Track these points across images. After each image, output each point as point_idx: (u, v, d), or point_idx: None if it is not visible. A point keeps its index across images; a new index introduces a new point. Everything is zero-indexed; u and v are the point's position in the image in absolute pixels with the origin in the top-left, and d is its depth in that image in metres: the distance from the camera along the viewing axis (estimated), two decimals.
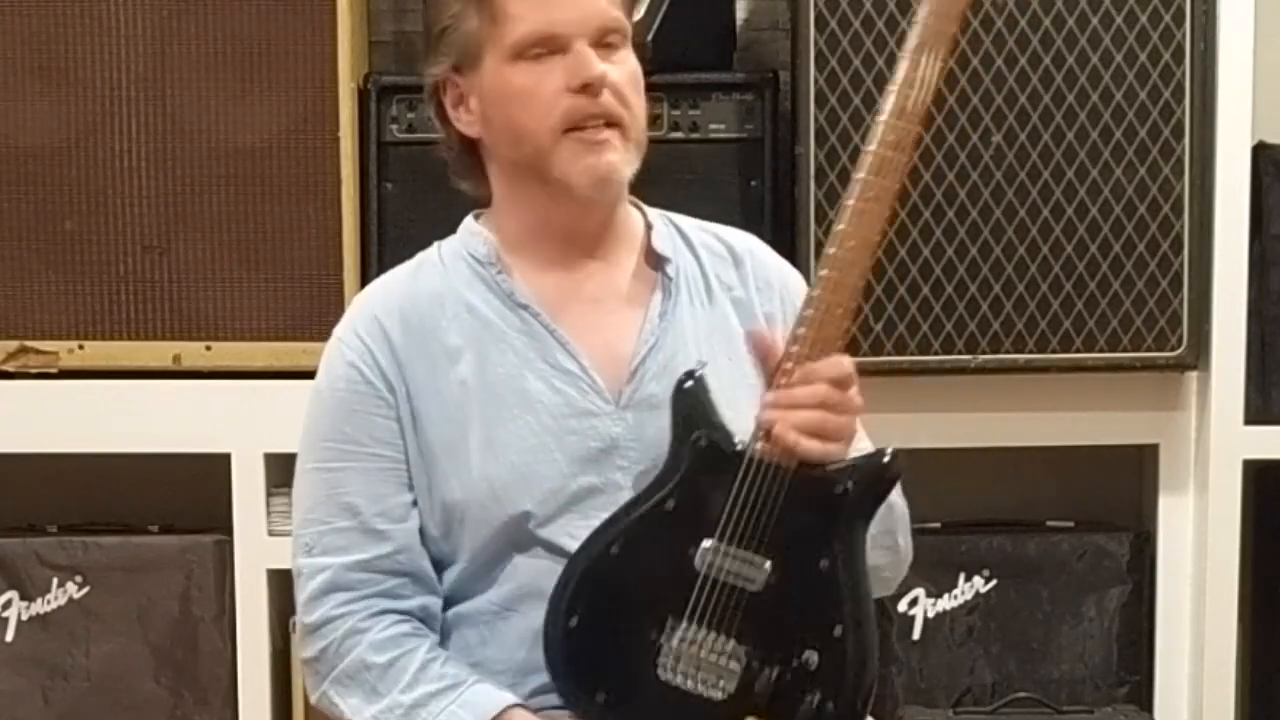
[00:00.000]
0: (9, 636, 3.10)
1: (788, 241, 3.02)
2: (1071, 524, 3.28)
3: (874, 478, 1.98)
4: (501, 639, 2.09)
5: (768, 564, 1.95)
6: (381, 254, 3.07)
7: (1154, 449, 3.19)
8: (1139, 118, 3.00)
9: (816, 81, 2.99)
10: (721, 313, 2.16)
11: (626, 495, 2.06)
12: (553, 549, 2.06)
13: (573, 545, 2.04)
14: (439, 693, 2.05)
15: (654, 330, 2.12)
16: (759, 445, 1.97)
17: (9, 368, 3.06)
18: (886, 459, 1.98)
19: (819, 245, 2.97)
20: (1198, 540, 3.15)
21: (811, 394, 1.96)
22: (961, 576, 3.18)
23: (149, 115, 3.03)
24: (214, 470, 3.05)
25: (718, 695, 1.96)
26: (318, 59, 3.02)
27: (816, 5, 2.98)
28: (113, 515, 3.24)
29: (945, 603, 3.18)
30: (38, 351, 3.06)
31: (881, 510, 2.05)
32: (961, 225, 3.01)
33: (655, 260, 2.16)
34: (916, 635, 3.17)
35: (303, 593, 2.12)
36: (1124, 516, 3.33)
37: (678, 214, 2.24)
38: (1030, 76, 2.99)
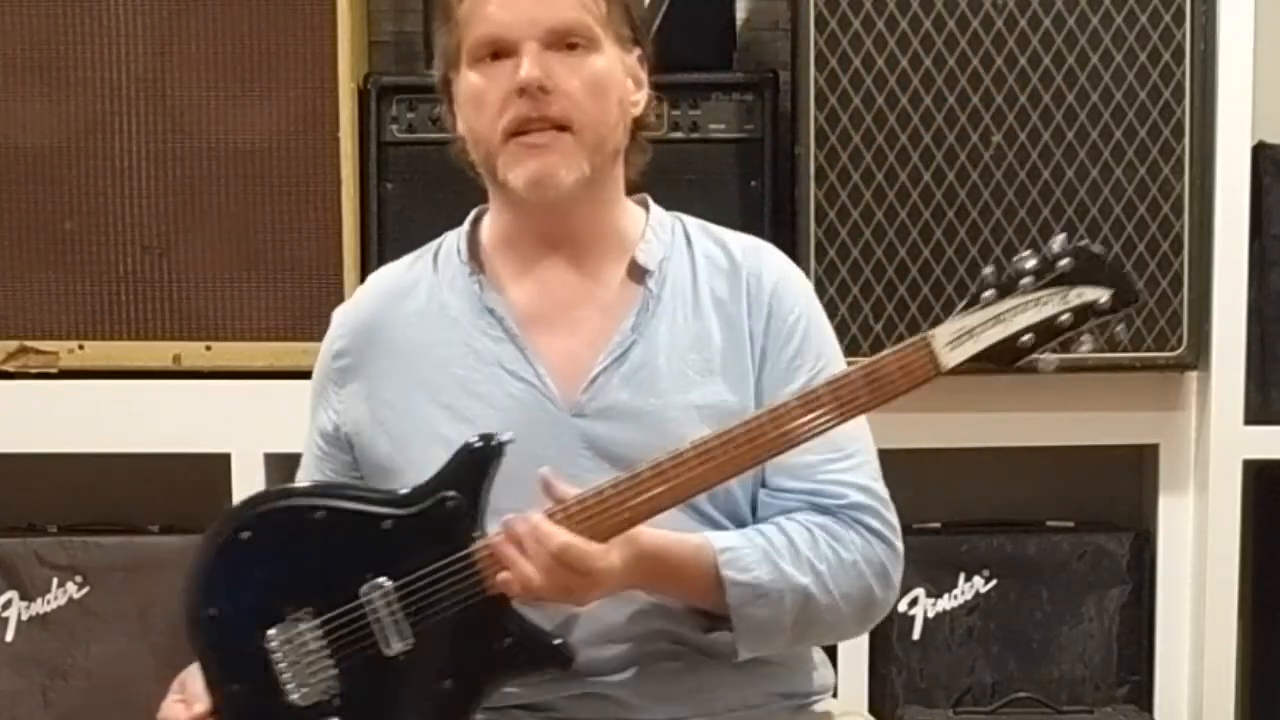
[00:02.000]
0: (9, 636, 3.10)
1: (788, 242, 3.02)
2: (1071, 524, 3.28)
3: (533, 657, 2.00)
4: None
5: (410, 642, 1.99)
6: (381, 254, 3.06)
7: (1154, 449, 3.19)
8: (1139, 118, 3.00)
9: (816, 81, 2.99)
10: (705, 327, 2.13)
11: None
12: None
13: None
14: None
15: (623, 341, 2.11)
16: (484, 553, 1.98)
17: (9, 368, 3.06)
18: (556, 643, 1.99)
19: (819, 246, 3.00)
20: (1198, 540, 3.15)
21: (537, 555, 1.94)
22: (961, 576, 3.18)
23: (149, 115, 3.03)
24: (214, 470, 3.05)
25: (294, 697, 2.00)
26: (318, 59, 3.02)
27: (816, 5, 2.98)
28: (113, 515, 3.24)
29: (945, 603, 3.18)
30: (38, 351, 3.06)
31: (789, 601, 2.04)
32: (962, 225, 3.01)
33: (639, 272, 2.15)
34: (916, 635, 3.17)
35: None
36: (1124, 516, 3.33)
37: (692, 218, 2.23)
38: (1030, 76, 2.99)
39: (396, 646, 1.99)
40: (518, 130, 2.05)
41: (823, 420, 1.93)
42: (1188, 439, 3.16)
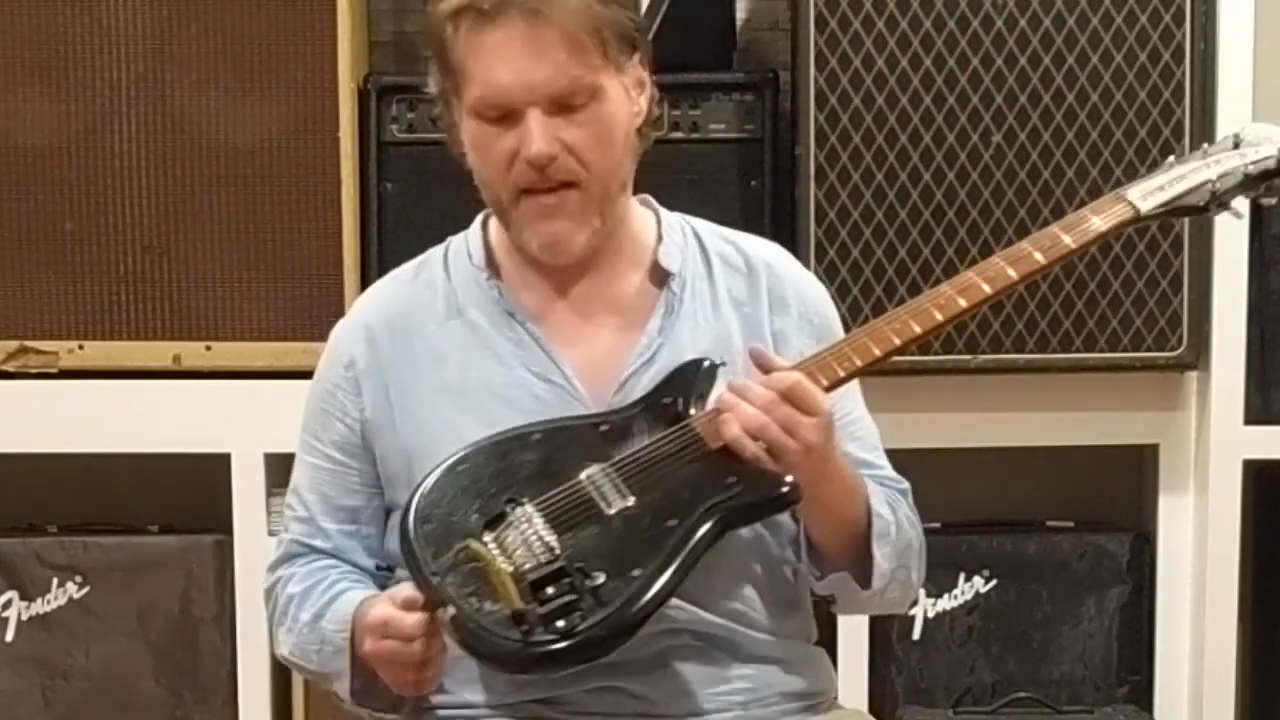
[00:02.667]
0: (9, 636, 3.10)
1: (788, 242, 3.01)
2: (1071, 524, 3.28)
3: (761, 496, 2.00)
4: None
5: (630, 501, 1.99)
6: (381, 254, 3.07)
7: (1154, 449, 3.19)
8: (1139, 118, 3.00)
9: (816, 81, 2.99)
10: (725, 328, 2.14)
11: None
12: None
13: None
14: (332, 599, 2.11)
15: (650, 345, 2.11)
16: (703, 418, 2.01)
17: (9, 368, 3.06)
18: (784, 488, 1.99)
19: (819, 246, 3.00)
20: (1198, 540, 3.16)
21: (765, 399, 1.97)
22: (961, 576, 3.19)
23: (149, 115, 3.03)
24: (214, 470, 3.05)
25: (508, 568, 1.97)
26: (318, 59, 3.02)
27: (816, 5, 2.98)
28: (113, 515, 3.24)
29: (945, 603, 3.18)
30: (38, 351, 3.06)
31: (901, 547, 2.09)
32: (961, 225, 3.01)
33: (661, 275, 2.14)
34: (916, 635, 3.18)
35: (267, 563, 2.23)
36: (1124, 516, 3.33)
37: (701, 220, 2.23)
38: (1030, 76, 2.99)
39: (617, 504, 1.98)
40: (529, 189, 2.05)
41: (1032, 269, 2.07)
42: (1188, 439, 3.16)
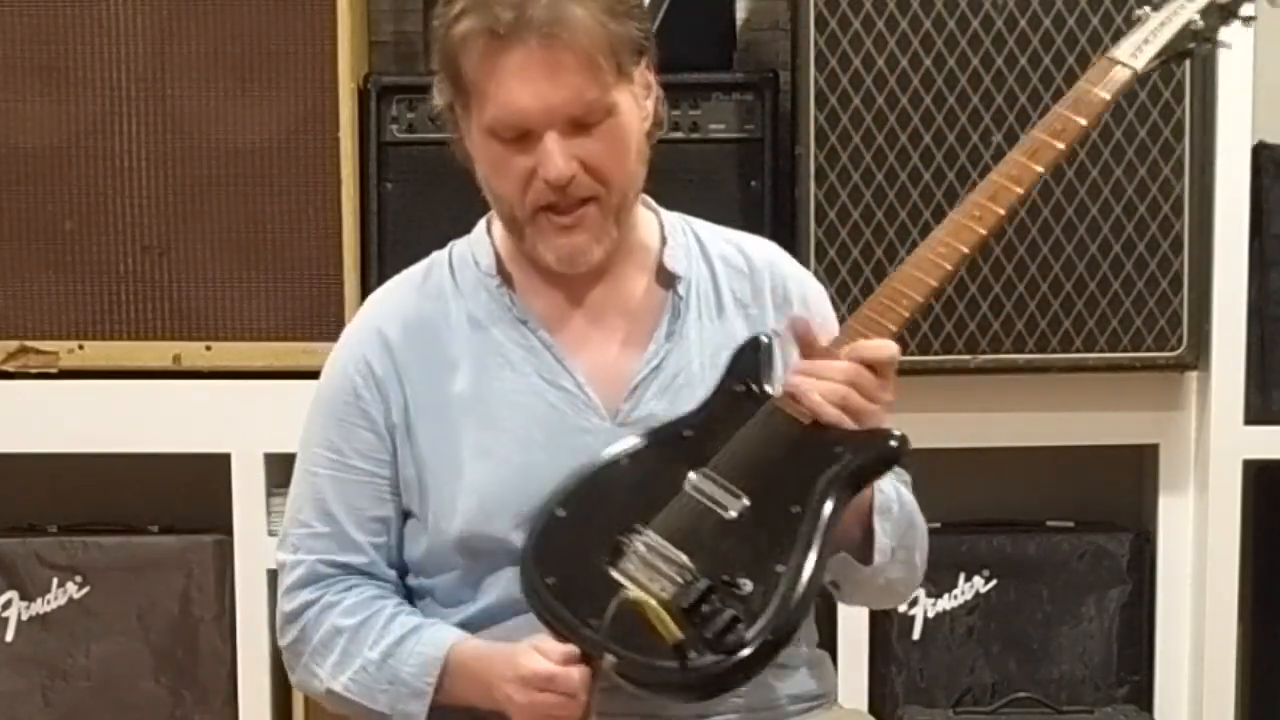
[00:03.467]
0: (9, 636, 3.10)
1: (788, 242, 3.01)
2: (1071, 524, 3.28)
3: (874, 453, 2.00)
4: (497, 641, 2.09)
5: (745, 500, 1.97)
6: (381, 254, 3.07)
7: (1154, 449, 3.19)
8: (1139, 118, 3.00)
9: (816, 81, 2.99)
10: (730, 329, 2.14)
11: None
12: None
13: None
14: (402, 638, 2.08)
15: (659, 349, 2.11)
16: (783, 400, 2.00)
17: (9, 368, 3.06)
18: (893, 441, 1.99)
19: (819, 245, 3.00)
20: (1198, 540, 3.16)
21: (844, 370, 1.97)
22: (961, 576, 3.19)
23: (149, 115, 3.03)
24: (214, 470, 3.05)
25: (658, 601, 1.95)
26: (318, 59, 3.02)
27: (816, 5, 2.98)
28: (113, 515, 3.24)
29: (945, 603, 3.18)
30: (38, 351, 3.06)
31: (903, 526, 2.09)
32: None
33: (667, 277, 2.14)
34: (916, 635, 3.18)
35: (283, 585, 2.17)
36: (1124, 516, 3.33)
37: (700, 220, 2.23)
38: (1030, 76, 2.99)
39: (734, 506, 1.97)
40: (547, 207, 2.04)
41: (1053, 156, 2.09)
42: (1188, 439, 3.16)
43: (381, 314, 2.17)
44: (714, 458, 1.99)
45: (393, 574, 2.16)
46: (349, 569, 2.14)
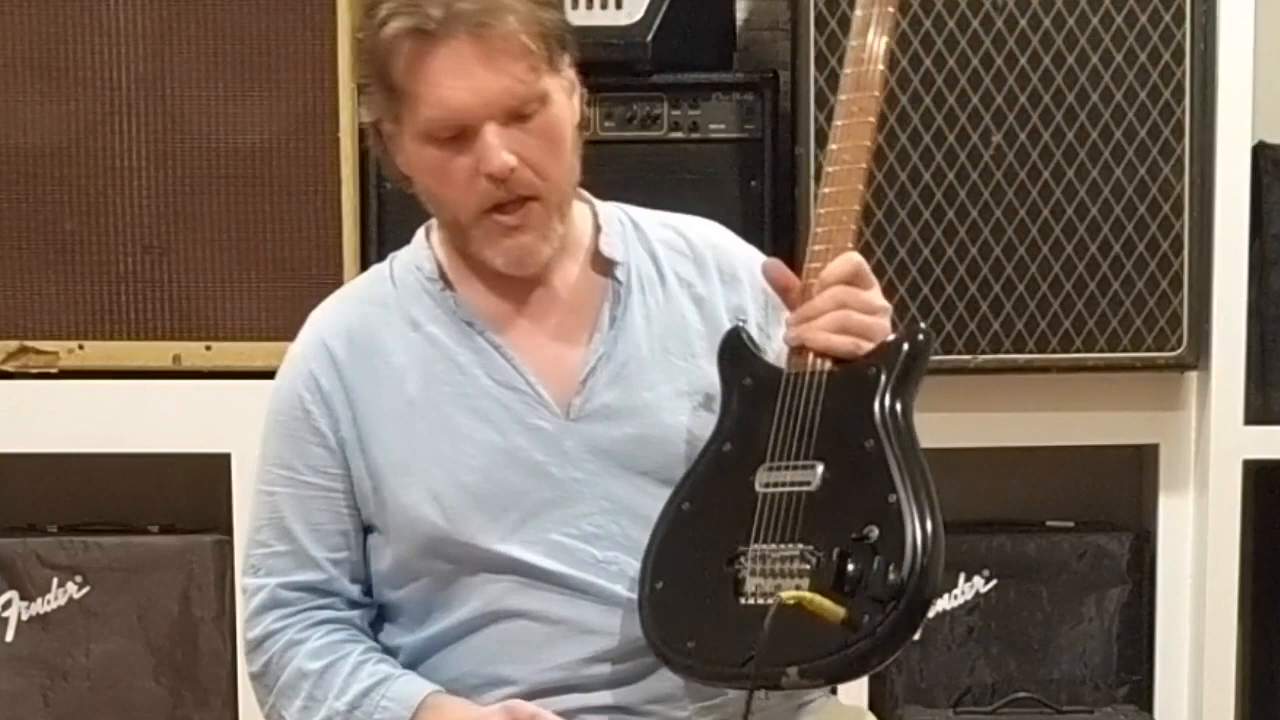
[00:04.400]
0: (9, 636, 3.10)
1: (788, 241, 3.02)
2: (1071, 524, 3.28)
3: (906, 353, 1.98)
4: (474, 653, 2.08)
5: (820, 466, 1.95)
6: (381, 254, 3.03)
7: (1154, 449, 3.19)
8: (1139, 118, 3.00)
9: (816, 81, 2.99)
10: (678, 311, 2.13)
11: (585, 507, 2.06)
12: (514, 566, 2.05)
13: (533, 560, 2.04)
14: (370, 690, 2.06)
15: (604, 339, 2.10)
16: (792, 362, 1.99)
17: (9, 368, 3.06)
18: (920, 335, 1.99)
19: None
20: (1198, 540, 3.16)
21: (829, 298, 1.97)
22: (961, 576, 3.19)
23: (149, 115, 3.02)
24: (214, 470, 3.05)
25: (808, 591, 1.91)
26: (318, 59, 3.02)
27: (816, 5, 2.98)
28: (113, 515, 3.24)
29: (945, 603, 3.18)
30: (38, 351, 3.06)
31: None
32: (961, 225, 3.01)
33: (605, 265, 2.13)
34: (916, 635, 3.17)
35: (246, 610, 2.15)
36: (1124, 516, 3.33)
37: (636, 207, 2.22)
38: (1030, 76, 2.99)
39: (814, 478, 1.95)
40: (492, 208, 2.03)
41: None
42: (1188, 439, 3.16)
43: (326, 328, 2.15)
44: (767, 450, 1.97)
45: (355, 590, 2.14)
46: (310, 589, 2.12)
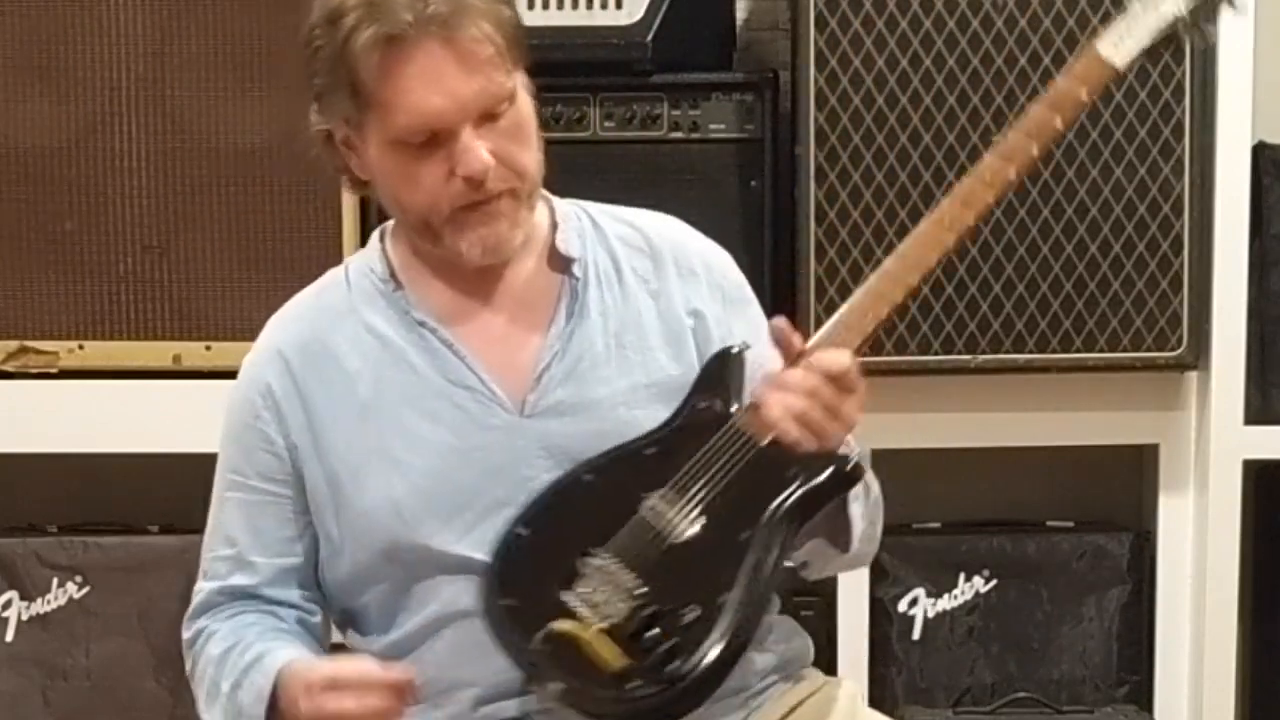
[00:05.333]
0: (9, 636, 3.10)
1: (788, 241, 3.02)
2: (1071, 524, 3.28)
3: (826, 479, 1.98)
4: (435, 658, 2.07)
5: (700, 523, 1.96)
6: None
7: (1154, 449, 3.19)
8: (1139, 118, 3.00)
9: (816, 81, 2.99)
10: (635, 307, 2.13)
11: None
12: (469, 566, 2.04)
13: (487, 560, 2.03)
14: (248, 668, 2.05)
15: (559, 335, 2.10)
16: (744, 415, 1.98)
17: (9, 368, 3.06)
18: (848, 466, 1.98)
19: (819, 245, 3.00)
20: (1198, 540, 3.16)
21: (802, 381, 1.94)
22: (961, 576, 3.19)
23: (149, 115, 3.03)
24: (214, 470, 3.05)
25: (598, 624, 1.95)
26: None
27: (816, 5, 2.98)
28: (113, 515, 3.24)
29: (945, 603, 3.18)
30: (38, 351, 3.06)
31: (870, 504, 2.07)
32: None
33: (561, 261, 2.13)
34: (916, 635, 3.17)
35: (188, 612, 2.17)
36: (1124, 516, 3.33)
37: (594, 203, 2.21)
38: (1030, 76, 2.99)
39: (687, 531, 1.96)
40: (464, 206, 2.02)
41: (1029, 159, 2.01)
42: (1188, 439, 3.16)
43: (279, 335, 2.15)
44: (673, 477, 1.98)
45: (296, 595, 2.14)
46: (245, 595, 2.12)
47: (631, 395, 2.08)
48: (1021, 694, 3.11)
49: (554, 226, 2.15)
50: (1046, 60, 2.99)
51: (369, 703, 1.94)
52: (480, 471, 2.05)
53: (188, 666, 2.16)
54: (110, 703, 3.10)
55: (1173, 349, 3.05)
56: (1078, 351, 3.04)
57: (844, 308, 2.01)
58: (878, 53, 2.98)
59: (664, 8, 3.04)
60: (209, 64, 3.02)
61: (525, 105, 2.05)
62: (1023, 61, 2.99)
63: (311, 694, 1.95)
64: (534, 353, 2.09)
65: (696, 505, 1.97)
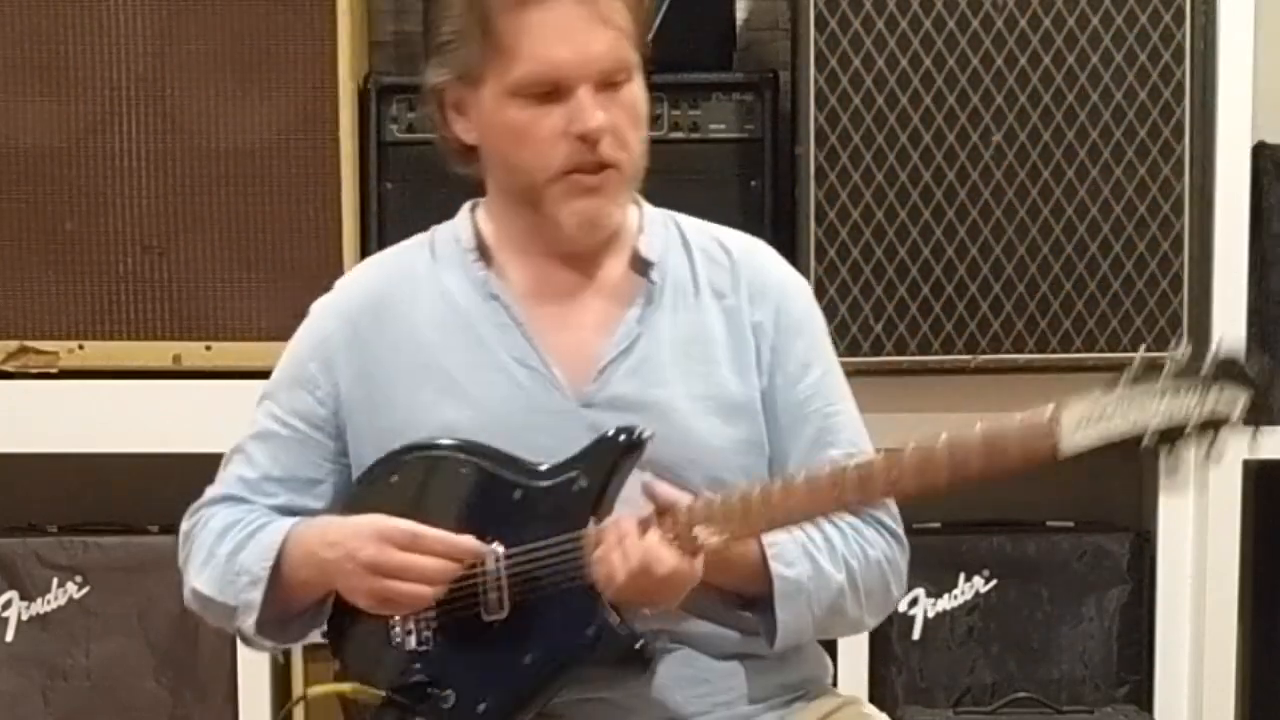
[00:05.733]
0: (9, 636, 3.10)
1: (788, 241, 3.02)
2: (1071, 524, 3.28)
3: (614, 656, 2.02)
4: None
5: (506, 612, 2.02)
6: None
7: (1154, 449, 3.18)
8: (1139, 118, 3.00)
9: (816, 81, 2.99)
10: (706, 320, 2.14)
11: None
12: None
13: None
14: (253, 532, 2.12)
15: (629, 333, 2.11)
16: (593, 536, 2.00)
17: (9, 368, 3.06)
18: (637, 645, 2.01)
19: (819, 245, 3.00)
20: (1198, 540, 3.15)
21: (630, 556, 1.96)
22: (961, 576, 3.18)
23: (149, 115, 3.03)
24: (214, 470, 3.04)
25: (398, 640, 2.05)
26: (318, 59, 3.02)
27: (816, 5, 2.98)
28: (113, 515, 3.24)
29: (945, 603, 3.18)
30: (38, 351, 3.06)
31: (825, 595, 2.06)
32: (961, 225, 3.01)
33: (641, 264, 2.14)
34: (916, 635, 3.17)
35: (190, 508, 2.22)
36: (1124, 516, 3.33)
37: (689, 217, 2.23)
38: (1030, 76, 2.99)
39: (494, 614, 2.01)
40: (571, 170, 2.05)
41: (938, 479, 1.95)
42: None
43: (354, 287, 2.20)
44: (517, 547, 2.02)
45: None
46: (243, 505, 2.18)
47: (690, 403, 2.09)
48: (1021, 694, 3.11)
49: (639, 230, 2.17)
50: (1046, 60, 2.99)
51: (447, 568, 2.00)
52: (526, 450, 2.06)
53: (182, 554, 2.20)
54: (110, 703, 3.10)
55: (1173, 349, 3.04)
56: (1078, 351, 3.04)
57: (737, 494, 1.98)
58: (878, 53, 2.98)
59: (664, 8, 3.04)
60: (209, 64, 3.02)
61: (641, 89, 2.08)
62: (1023, 61, 2.99)
63: (385, 543, 1.99)
64: (600, 346, 2.11)
65: (514, 594, 2.02)
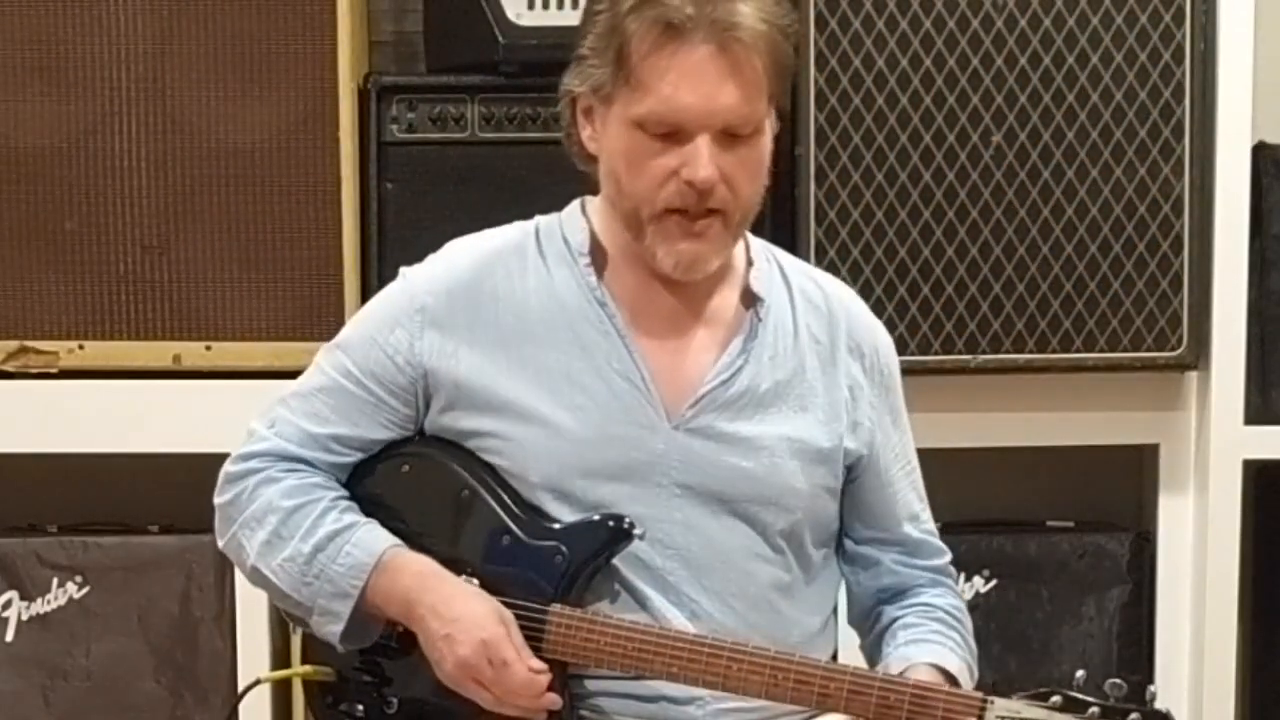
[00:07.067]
0: (9, 636, 3.10)
1: (788, 241, 3.01)
2: (1071, 524, 3.28)
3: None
4: None
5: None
6: (381, 254, 3.06)
7: (1154, 449, 3.19)
8: (1139, 118, 3.00)
9: (816, 81, 2.99)
10: (804, 364, 2.15)
11: (658, 512, 2.08)
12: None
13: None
14: (334, 534, 2.11)
15: (730, 365, 2.12)
16: (555, 641, 2.06)
17: (9, 368, 3.06)
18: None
19: (819, 246, 3.00)
20: (1198, 540, 3.16)
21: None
22: (961, 576, 3.18)
23: (149, 115, 3.02)
24: (214, 470, 3.04)
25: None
26: (318, 59, 3.02)
27: (816, 5, 2.98)
28: (113, 515, 3.24)
29: None
30: (38, 351, 3.06)
31: (972, 662, 2.26)
32: (961, 225, 3.01)
33: (749, 298, 2.15)
34: None
35: (241, 448, 2.22)
36: (1124, 516, 3.33)
37: (781, 251, 2.24)
38: (1030, 76, 2.99)
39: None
40: (677, 210, 2.05)
41: (863, 709, 2.02)
42: (1188, 439, 3.16)
43: (462, 262, 2.17)
44: (483, 588, 2.07)
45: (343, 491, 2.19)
46: (306, 463, 2.17)
47: (778, 443, 2.11)
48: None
49: (749, 263, 2.18)
50: (1046, 60, 2.99)
51: (507, 707, 2.03)
52: (611, 459, 2.08)
53: (227, 495, 2.20)
54: (110, 703, 3.10)
55: (1173, 349, 3.05)
56: (1078, 351, 3.04)
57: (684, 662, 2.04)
58: (878, 53, 2.98)
59: None
60: (209, 64, 3.02)
61: (766, 144, 2.09)
62: (1023, 61, 2.99)
63: (481, 656, 2.02)
64: (701, 371, 2.12)
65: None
